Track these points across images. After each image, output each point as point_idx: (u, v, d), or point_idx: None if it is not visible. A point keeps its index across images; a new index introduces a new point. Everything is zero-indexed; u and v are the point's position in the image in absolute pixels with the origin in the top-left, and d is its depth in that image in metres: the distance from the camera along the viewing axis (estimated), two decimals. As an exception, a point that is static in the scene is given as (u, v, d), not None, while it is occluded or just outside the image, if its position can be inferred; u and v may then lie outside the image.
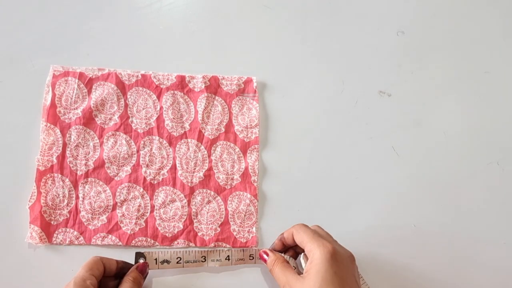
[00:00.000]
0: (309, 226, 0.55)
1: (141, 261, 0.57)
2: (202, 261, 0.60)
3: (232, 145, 0.65)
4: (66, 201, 0.62)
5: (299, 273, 0.53)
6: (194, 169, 0.64)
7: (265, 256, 0.57)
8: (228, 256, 0.60)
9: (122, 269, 0.56)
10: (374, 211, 0.65)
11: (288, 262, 0.56)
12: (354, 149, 0.67)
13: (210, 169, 0.64)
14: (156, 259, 0.58)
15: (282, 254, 0.57)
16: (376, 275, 0.62)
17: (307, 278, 0.49)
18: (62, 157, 0.63)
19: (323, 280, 0.48)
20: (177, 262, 0.59)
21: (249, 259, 0.61)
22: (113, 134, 0.64)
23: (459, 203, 0.66)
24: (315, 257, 0.50)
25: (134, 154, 0.64)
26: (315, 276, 0.48)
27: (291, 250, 0.58)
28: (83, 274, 0.52)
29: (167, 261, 0.59)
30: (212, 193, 0.64)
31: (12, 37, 0.67)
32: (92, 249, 0.59)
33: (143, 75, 0.66)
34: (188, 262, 0.59)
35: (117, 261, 0.56)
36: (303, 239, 0.53)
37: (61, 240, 0.61)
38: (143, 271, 0.57)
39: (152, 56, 0.68)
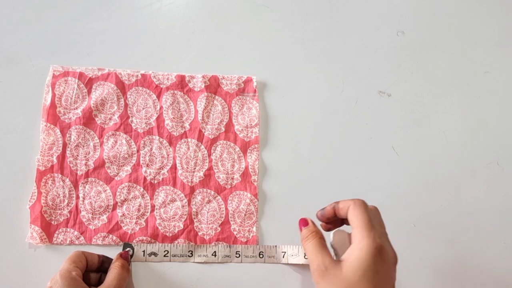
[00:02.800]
0: (368, 207, 0.50)
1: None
2: (189, 256, 0.61)
3: (232, 144, 0.65)
4: (66, 201, 0.62)
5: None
6: (194, 168, 0.64)
7: (301, 225, 0.53)
8: (215, 252, 0.61)
9: (104, 263, 0.58)
10: (374, 211, 0.65)
11: (325, 241, 0.51)
12: (354, 149, 0.67)
13: (210, 168, 0.64)
14: (144, 251, 0.61)
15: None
16: (376, 275, 0.62)
17: (347, 267, 0.45)
18: (62, 157, 0.63)
19: (363, 275, 0.45)
20: (165, 255, 0.61)
21: (236, 256, 0.62)
22: (113, 134, 0.64)
23: (459, 203, 0.66)
24: (361, 246, 0.46)
25: (134, 153, 0.64)
26: (357, 268, 0.45)
27: (338, 222, 0.54)
28: (67, 267, 0.53)
29: (155, 254, 0.61)
30: (212, 192, 0.64)
31: (12, 37, 0.67)
32: (93, 249, 0.59)
33: (143, 75, 0.66)
34: (175, 256, 0.61)
35: (98, 255, 0.58)
36: (356, 220, 0.48)
37: (61, 240, 0.61)
38: (127, 259, 0.58)
39: (152, 56, 0.68)
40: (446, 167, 0.68)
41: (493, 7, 0.75)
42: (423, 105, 0.70)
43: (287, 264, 0.61)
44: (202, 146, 0.65)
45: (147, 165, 0.64)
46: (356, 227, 0.48)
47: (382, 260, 0.46)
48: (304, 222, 0.53)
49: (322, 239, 0.50)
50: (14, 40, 0.67)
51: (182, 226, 0.62)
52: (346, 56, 0.71)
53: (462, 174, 0.67)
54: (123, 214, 0.62)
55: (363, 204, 0.50)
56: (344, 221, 0.53)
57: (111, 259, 0.58)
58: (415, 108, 0.70)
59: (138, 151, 0.64)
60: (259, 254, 0.62)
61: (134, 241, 0.61)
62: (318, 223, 0.55)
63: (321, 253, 0.48)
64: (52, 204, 0.61)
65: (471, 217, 0.66)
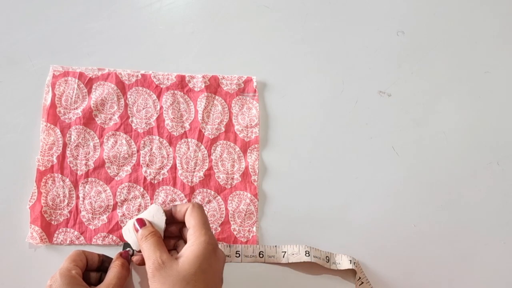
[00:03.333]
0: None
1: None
2: None
3: (232, 144, 0.65)
4: (66, 201, 0.62)
5: None
6: (194, 168, 0.64)
7: (137, 225, 0.54)
8: None
9: (104, 262, 0.57)
10: (374, 211, 0.65)
11: (162, 240, 0.53)
12: (354, 149, 0.67)
13: (210, 168, 0.64)
14: None
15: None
16: (376, 275, 0.62)
17: (184, 261, 0.49)
18: (62, 157, 0.63)
19: (199, 268, 0.48)
20: None
21: (236, 256, 0.61)
22: (113, 134, 0.64)
23: (459, 203, 0.66)
24: (199, 242, 0.50)
25: (134, 153, 0.64)
26: (194, 261, 0.48)
27: (174, 226, 0.57)
28: (67, 265, 0.53)
29: None
30: (213, 192, 0.64)
31: (12, 37, 0.67)
32: (93, 249, 0.59)
33: (143, 75, 0.66)
34: None
35: (98, 254, 0.57)
36: (194, 220, 0.52)
37: (61, 240, 0.61)
38: (127, 258, 0.57)
39: (152, 56, 0.68)
40: (446, 167, 0.68)
41: (493, 7, 0.75)
42: (423, 105, 0.70)
43: (287, 264, 0.61)
44: (202, 146, 0.65)
45: (147, 165, 0.64)
46: (194, 226, 0.51)
47: (216, 256, 0.50)
48: (141, 223, 0.54)
49: (160, 238, 0.53)
50: (14, 40, 0.67)
51: (182, 226, 0.62)
52: (346, 56, 0.71)
53: (462, 174, 0.67)
54: (123, 214, 0.62)
55: (201, 207, 0.54)
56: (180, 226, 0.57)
57: (111, 259, 0.58)
58: (415, 108, 0.70)
59: (138, 151, 0.64)
60: (259, 254, 0.61)
61: (134, 241, 0.61)
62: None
63: (159, 249, 0.51)
64: (52, 204, 0.61)
65: (471, 217, 0.66)
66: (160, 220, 0.54)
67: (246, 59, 0.70)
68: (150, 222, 0.54)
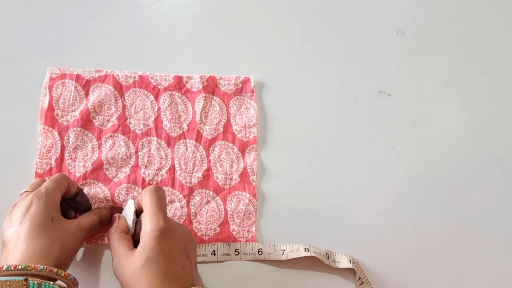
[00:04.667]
0: (160, 190, 0.53)
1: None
2: None
3: (230, 145, 0.65)
4: (65, 203, 0.62)
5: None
6: (193, 169, 0.64)
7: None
8: (214, 251, 0.61)
9: (77, 195, 0.57)
10: (374, 211, 0.65)
11: (127, 233, 0.53)
12: (354, 149, 0.67)
13: (208, 169, 0.64)
14: None
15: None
16: (376, 275, 0.62)
17: (134, 254, 0.48)
18: (60, 159, 0.63)
19: (147, 258, 0.47)
20: None
21: (235, 254, 0.61)
22: (111, 136, 0.64)
23: (459, 203, 0.66)
24: (145, 232, 0.49)
25: (133, 155, 0.64)
26: (141, 253, 0.47)
27: None
28: (54, 188, 0.52)
29: None
30: (211, 193, 0.64)
31: (12, 37, 0.67)
32: (93, 249, 0.59)
33: (140, 76, 0.66)
34: None
35: (78, 187, 0.58)
36: (145, 207, 0.51)
37: (60, 241, 0.61)
38: (111, 219, 0.58)
39: (152, 56, 0.68)
40: (446, 167, 0.67)
41: (493, 7, 0.75)
42: (423, 105, 0.70)
43: (287, 264, 0.61)
44: (201, 147, 0.65)
45: (146, 166, 0.64)
46: (145, 214, 0.51)
47: (168, 238, 0.48)
48: (114, 219, 0.56)
49: (122, 233, 0.52)
50: (14, 40, 0.67)
51: (181, 227, 0.62)
52: (346, 56, 0.71)
53: (462, 174, 0.67)
54: (122, 215, 0.62)
55: (153, 189, 0.52)
56: None
57: (88, 202, 0.59)
58: (415, 108, 0.69)
59: (136, 152, 0.64)
60: (258, 251, 0.61)
61: (133, 242, 0.61)
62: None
63: (118, 245, 0.50)
64: (51, 205, 0.61)
65: (471, 217, 0.65)
66: (129, 214, 0.55)
67: (246, 59, 0.70)
68: (119, 217, 0.55)
